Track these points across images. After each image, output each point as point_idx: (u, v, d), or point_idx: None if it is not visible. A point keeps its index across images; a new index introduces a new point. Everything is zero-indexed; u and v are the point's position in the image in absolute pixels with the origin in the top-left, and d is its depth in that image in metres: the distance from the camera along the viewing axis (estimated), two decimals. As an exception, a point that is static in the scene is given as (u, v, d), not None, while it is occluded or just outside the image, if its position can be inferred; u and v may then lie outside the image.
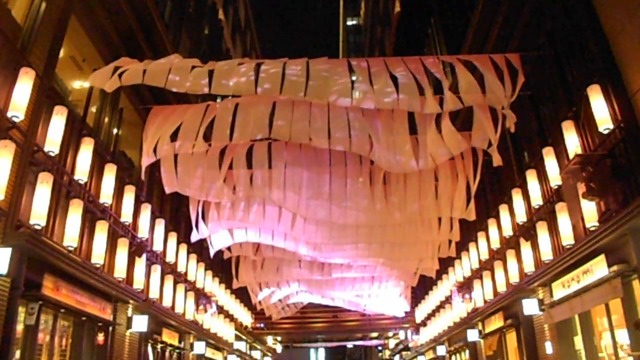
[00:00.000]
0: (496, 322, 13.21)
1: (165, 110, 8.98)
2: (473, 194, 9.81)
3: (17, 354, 7.13)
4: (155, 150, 8.71)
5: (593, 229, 7.54)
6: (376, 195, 10.36)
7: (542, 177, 9.50)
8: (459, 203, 10.18)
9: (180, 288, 13.54)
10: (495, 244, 12.00)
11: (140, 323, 10.84)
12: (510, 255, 11.09)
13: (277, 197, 10.28)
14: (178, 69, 7.54)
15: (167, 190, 9.74)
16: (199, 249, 14.80)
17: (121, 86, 7.64)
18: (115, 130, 10.89)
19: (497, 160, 8.10)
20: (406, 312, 21.68)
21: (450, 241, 12.19)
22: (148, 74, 7.43)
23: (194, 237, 11.35)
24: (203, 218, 11.08)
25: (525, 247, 10.23)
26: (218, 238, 12.03)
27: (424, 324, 21.79)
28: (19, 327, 7.17)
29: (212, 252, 12.50)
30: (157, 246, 11.82)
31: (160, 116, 8.83)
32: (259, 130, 8.42)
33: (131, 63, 7.60)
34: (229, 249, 13.05)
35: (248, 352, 24.06)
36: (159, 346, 12.96)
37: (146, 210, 11.20)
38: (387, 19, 23.68)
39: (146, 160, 8.82)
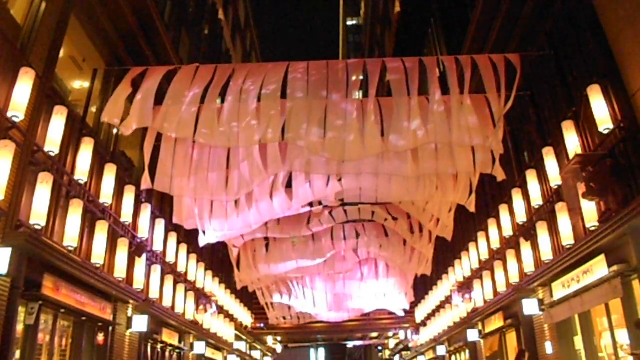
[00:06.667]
0: (496, 322, 13.22)
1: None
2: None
3: (17, 354, 7.13)
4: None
5: (593, 229, 7.53)
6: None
7: (542, 177, 9.49)
8: (463, 192, 10.01)
9: (180, 288, 13.54)
10: (495, 244, 12.00)
11: (140, 323, 10.85)
12: (510, 255, 11.09)
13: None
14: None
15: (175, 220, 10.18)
16: (199, 249, 14.79)
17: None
18: (115, 130, 10.86)
19: (500, 175, 8.85)
20: (406, 312, 21.65)
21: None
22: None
23: (202, 242, 11.25)
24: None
25: (525, 247, 10.23)
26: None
27: (424, 324, 21.79)
28: (19, 327, 7.17)
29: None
30: (157, 246, 11.81)
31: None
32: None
33: (156, 71, 8.08)
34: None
35: (248, 352, 24.05)
36: (159, 346, 12.96)
37: (146, 210, 11.20)
38: (387, 19, 23.65)
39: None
